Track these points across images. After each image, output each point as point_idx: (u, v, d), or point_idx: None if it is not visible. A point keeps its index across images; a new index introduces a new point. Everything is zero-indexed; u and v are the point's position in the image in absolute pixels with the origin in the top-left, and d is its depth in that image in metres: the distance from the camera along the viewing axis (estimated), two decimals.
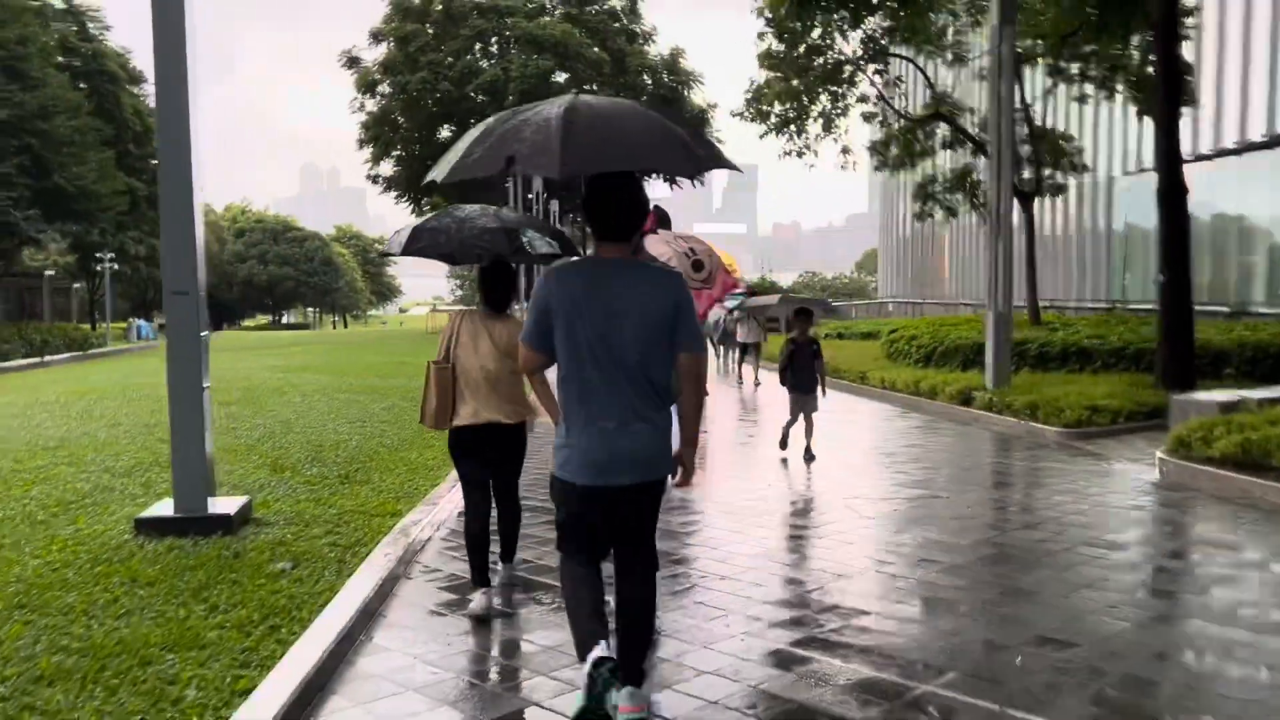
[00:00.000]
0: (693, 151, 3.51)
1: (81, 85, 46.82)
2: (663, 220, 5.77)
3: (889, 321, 32.98)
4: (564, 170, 3.28)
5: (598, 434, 3.48)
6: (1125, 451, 10.58)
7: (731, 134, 51.35)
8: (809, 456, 10.11)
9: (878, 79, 20.93)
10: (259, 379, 19.82)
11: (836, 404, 16.57)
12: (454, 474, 8.20)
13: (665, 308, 3.48)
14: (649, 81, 47.64)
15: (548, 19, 46.67)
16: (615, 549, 3.71)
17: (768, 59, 21.42)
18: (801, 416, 10.37)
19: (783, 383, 10.53)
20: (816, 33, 20.60)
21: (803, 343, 10.46)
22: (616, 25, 47.50)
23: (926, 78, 21.26)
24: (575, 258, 4.74)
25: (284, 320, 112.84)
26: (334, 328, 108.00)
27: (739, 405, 16.64)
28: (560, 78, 47.17)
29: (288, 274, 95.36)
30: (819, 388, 10.40)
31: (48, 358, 36.70)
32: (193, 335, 6.41)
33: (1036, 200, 21.72)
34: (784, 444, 10.59)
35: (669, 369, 3.57)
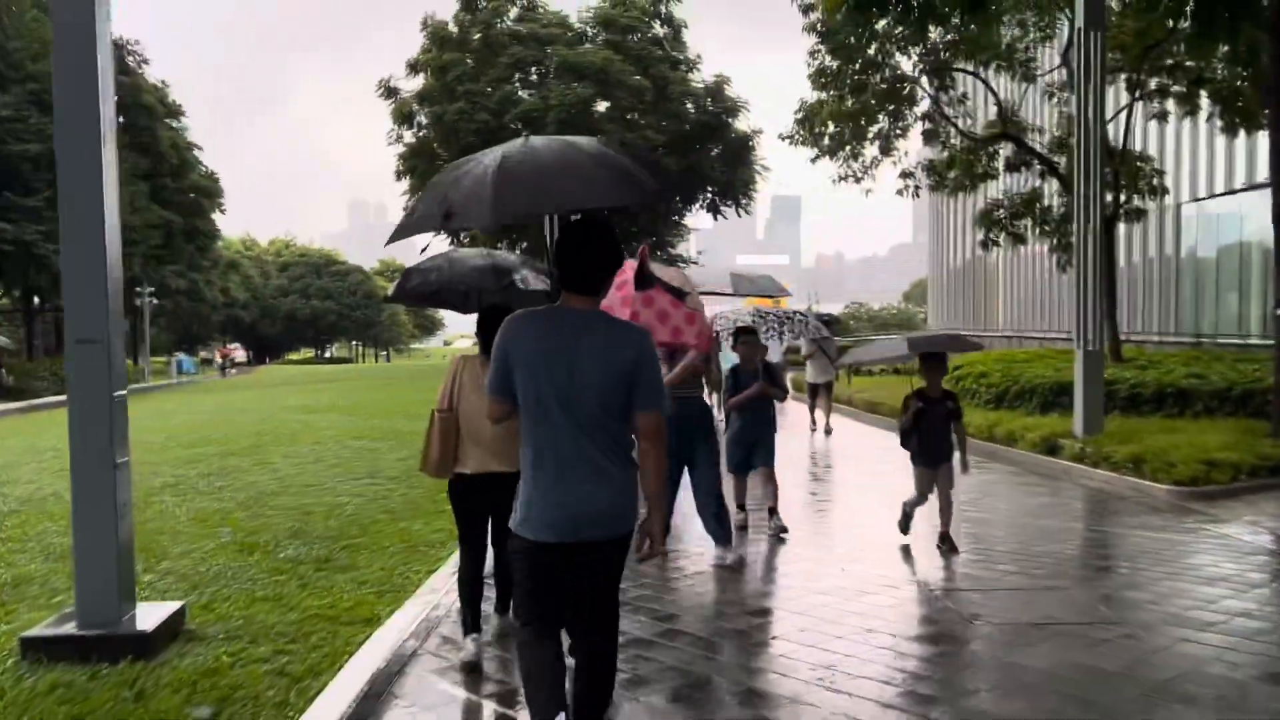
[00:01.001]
0: (635, 180, 3.48)
1: (120, 119, 46.47)
2: (644, 279, 5.54)
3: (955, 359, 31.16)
4: (496, 219, 3.30)
5: (558, 489, 3.36)
6: (1258, 517, 8.85)
7: (776, 162, 49.96)
8: (947, 546, 7.60)
9: (942, 95, 19.30)
10: (275, 422, 18.52)
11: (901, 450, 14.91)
12: (457, 556, 7.02)
13: (625, 361, 3.36)
14: (692, 109, 46.27)
15: (589, 46, 45.56)
16: (576, 610, 3.54)
17: (820, 77, 19.92)
18: (933, 494, 7.80)
19: (905, 445, 7.85)
20: (873, 48, 19.07)
21: (935, 399, 7.65)
22: (659, 53, 46.27)
23: (994, 93, 19.61)
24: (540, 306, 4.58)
25: (327, 354, 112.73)
26: (376, 361, 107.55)
27: (808, 459, 14.80)
28: (601, 106, 46.04)
29: (330, 308, 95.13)
30: (958, 458, 7.72)
31: None
32: (102, 395, 4.96)
33: (1117, 227, 19.96)
34: (905, 527, 8.01)
35: (628, 424, 3.44)
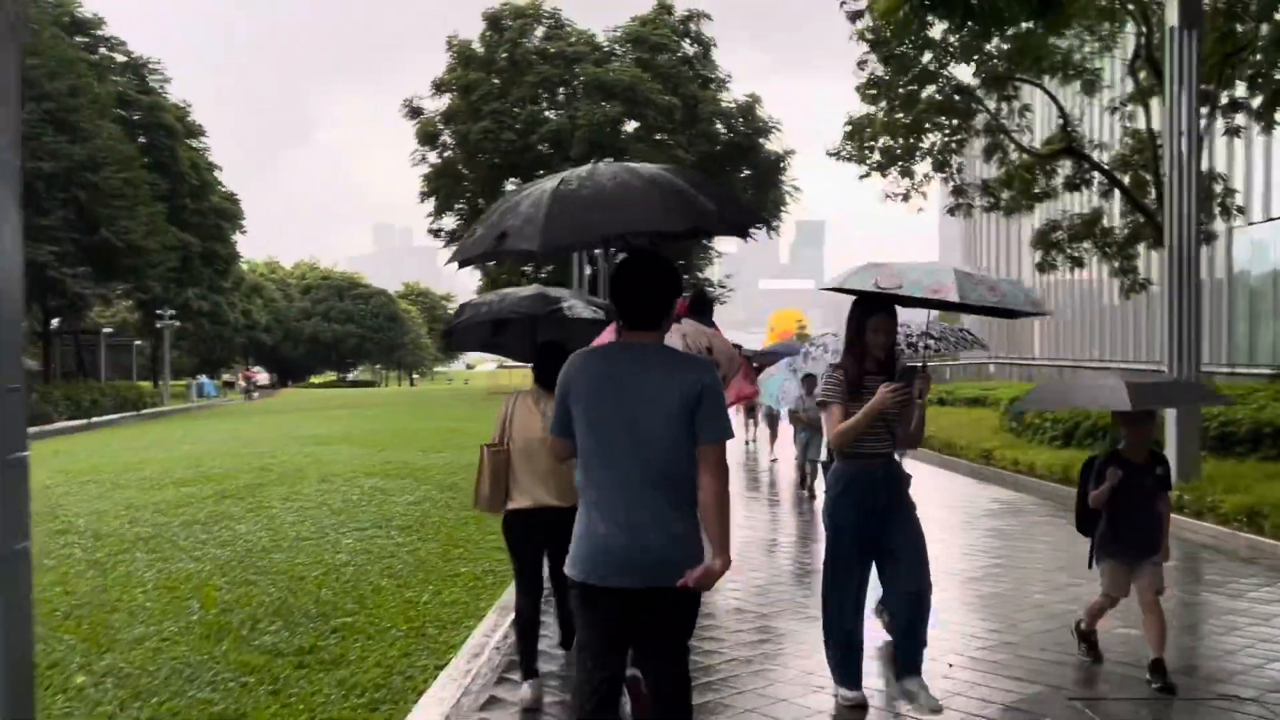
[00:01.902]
0: (692, 204, 3.41)
1: (142, 139, 45.79)
2: (700, 306, 5.30)
3: (997, 385, 29.57)
4: (544, 242, 3.24)
5: (613, 530, 3.22)
6: None
7: (806, 184, 48.53)
8: (1160, 680, 5.15)
9: (1004, 107, 17.90)
10: (282, 456, 17.24)
11: (957, 493, 13.42)
12: (474, 641, 5.90)
13: (688, 394, 3.24)
14: (722, 129, 45.07)
15: (617, 64, 44.45)
16: (641, 667, 3.52)
17: (870, 89, 18.59)
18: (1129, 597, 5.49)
19: (1084, 530, 5.59)
20: (927, 57, 17.73)
21: (1139, 465, 5.38)
22: (689, 72, 45.13)
23: (1058, 104, 18.19)
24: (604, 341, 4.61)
25: (349, 378, 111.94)
26: (401, 384, 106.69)
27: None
28: (629, 126, 44.90)
29: (352, 331, 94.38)
30: (1162, 547, 5.44)
31: (95, 419, 35.03)
32: None
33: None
34: (1088, 640, 5.69)
35: (692, 460, 3.26)
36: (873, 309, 4.82)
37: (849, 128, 18.94)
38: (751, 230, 3.99)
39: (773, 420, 18.24)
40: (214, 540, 9.04)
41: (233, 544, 8.86)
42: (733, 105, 45.37)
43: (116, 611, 6.47)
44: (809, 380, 11.00)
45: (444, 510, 10.93)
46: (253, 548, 8.66)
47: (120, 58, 46.61)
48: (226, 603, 6.70)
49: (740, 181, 44.73)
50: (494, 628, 6.29)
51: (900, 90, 17.45)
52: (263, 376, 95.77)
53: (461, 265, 3.99)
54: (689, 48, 46.71)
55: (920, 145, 18.04)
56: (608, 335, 5.07)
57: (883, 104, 18.23)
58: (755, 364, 14.41)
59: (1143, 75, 18.13)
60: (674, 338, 4.75)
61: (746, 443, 20.05)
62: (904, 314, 5.15)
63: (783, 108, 58.73)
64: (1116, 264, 20.88)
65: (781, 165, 45.25)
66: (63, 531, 9.60)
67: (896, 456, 5.05)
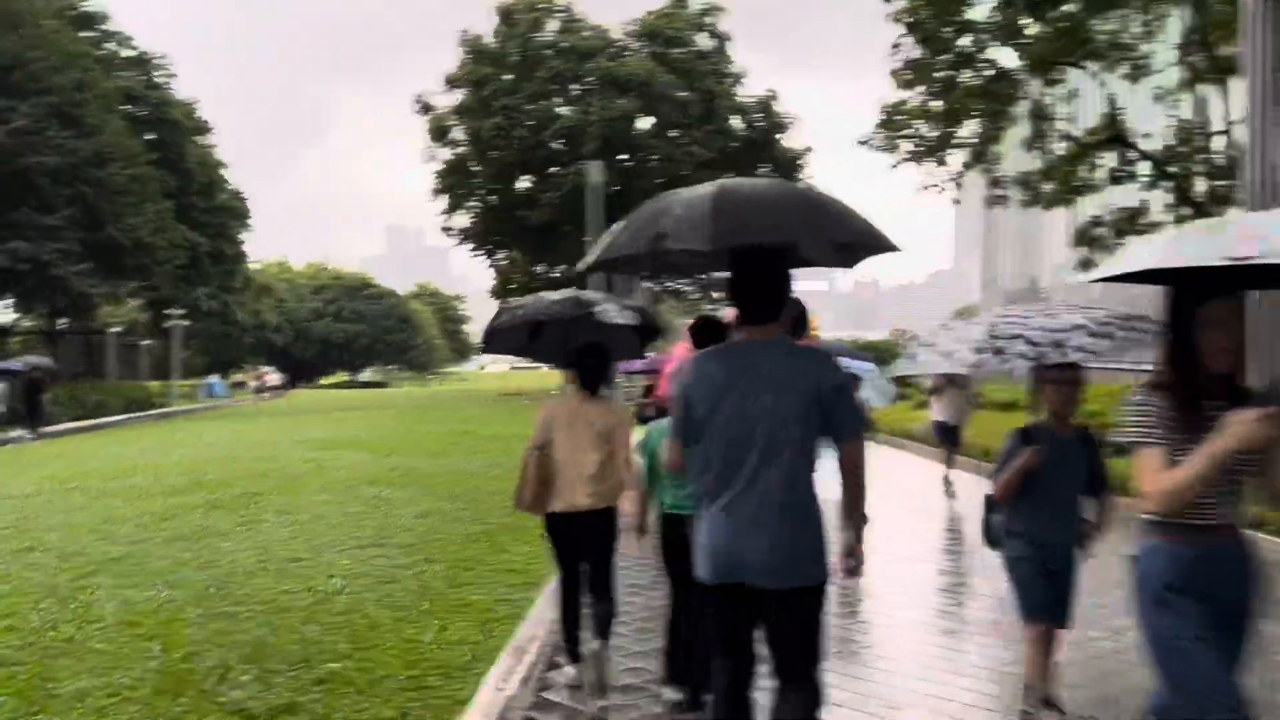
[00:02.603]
0: (845, 225, 3.35)
1: (150, 136, 45.00)
2: (800, 319, 4.91)
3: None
4: (714, 241, 3.20)
5: (734, 530, 3.23)
6: None
7: (821, 180, 47.39)
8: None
9: (1048, 92, 16.85)
10: (283, 460, 16.30)
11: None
12: (485, 699, 5.00)
13: (811, 389, 3.22)
14: (739, 125, 44.05)
15: (631, 58, 43.46)
16: (774, 671, 3.34)
17: (906, 72, 17.59)
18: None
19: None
20: (968, 39, 16.72)
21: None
22: (706, 66, 44.12)
23: (1104, 88, 17.12)
24: (656, 332, 5.51)
25: (361, 378, 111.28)
26: (415, 385, 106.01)
27: (943, 542, 11.88)
28: (645, 123, 43.90)
29: (363, 331, 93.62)
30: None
31: (101, 420, 34.23)
32: None
33: None
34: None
35: (814, 460, 3.28)
36: (1211, 292, 2.98)
37: (884, 113, 17.90)
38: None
39: None
40: (194, 561, 8.07)
41: (215, 565, 7.89)
42: (751, 100, 44.34)
43: (64, 656, 5.50)
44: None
45: (452, 524, 9.96)
46: (235, 570, 7.68)
47: (127, 53, 45.86)
48: (195, 643, 5.72)
49: (756, 178, 43.81)
50: (508, 673, 5.33)
51: (937, 74, 16.41)
52: (274, 377, 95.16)
53: (598, 269, 3.86)
54: (705, 42, 45.73)
55: (958, 133, 16.99)
56: (681, 350, 5.18)
57: (919, 89, 17.21)
58: None
59: (1195, 60, 17.08)
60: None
61: None
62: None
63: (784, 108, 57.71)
64: None
65: (799, 162, 44.22)
66: (28, 550, 8.63)
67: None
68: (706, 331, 4.64)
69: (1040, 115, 17.26)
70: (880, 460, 15.13)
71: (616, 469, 5.06)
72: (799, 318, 4.88)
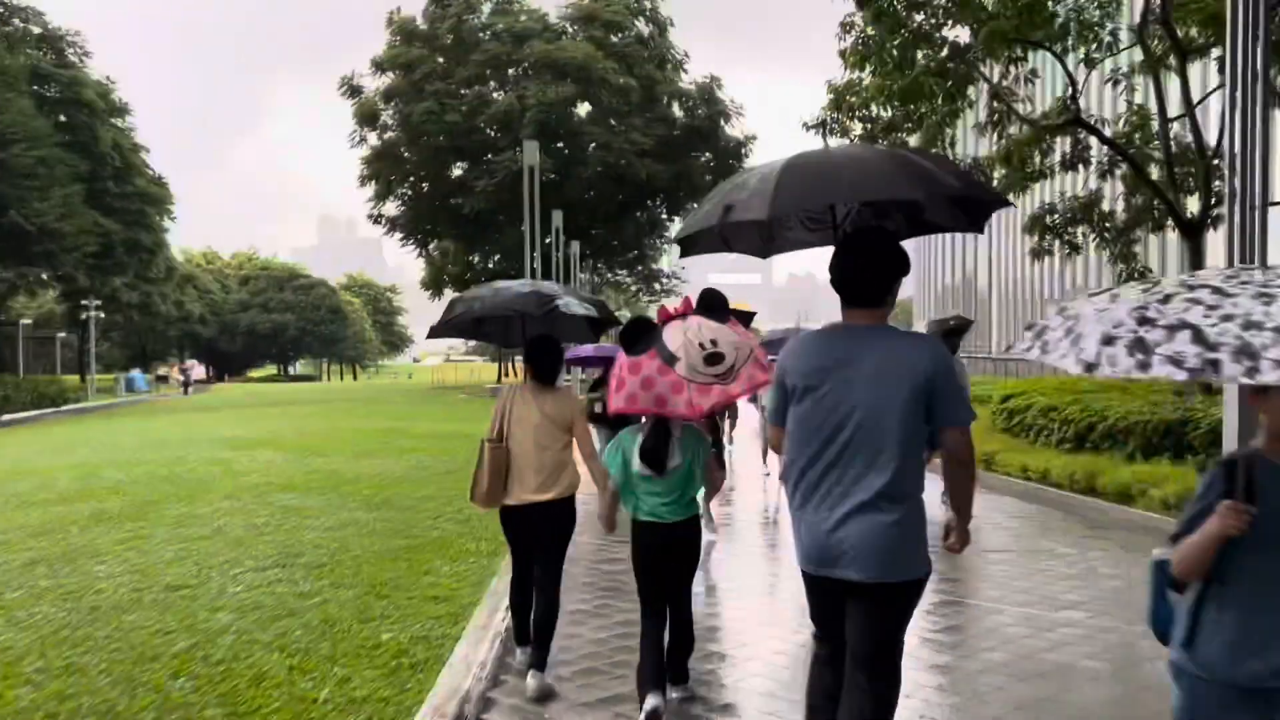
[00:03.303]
0: (941, 183, 3.27)
1: (62, 118, 42.71)
2: (709, 304, 4.64)
3: (983, 381, 27.84)
4: (774, 208, 3.15)
5: (828, 519, 3.15)
6: None
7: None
8: None
9: (1010, 70, 16.07)
10: (190, 462, 14.98)
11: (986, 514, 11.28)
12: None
13: (916, 375, 3.08)
14: (680, 113, 43.05)
15: (568, 41, 42.22)
16: (850, 655, 3.24)
17: (856, 51, 16.74)
18: None
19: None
20: (921, 16, 15.91)
21: None
22: (645, 52, 43.03)
23: (1067, 72, 16.40)
24: (616, 324, 5.20)
25: (292, 372, 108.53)
26: (344, 379, 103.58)
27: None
28: (583, 110, 42.69)
29: (291, 321, 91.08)
30: None
31: (4, 416, 32.29)
32: None
33: (1206, 235, 16.80)
34: None
35: (918, 450, 3.15)
36: None
37: (832, 96, 17.01)
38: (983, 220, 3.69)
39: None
40: (55, 591, 6.84)
41: (79, 596, 6.67)
42: (692, 86, 43.36)
43: None
44: None
45: (369, 538, 8.83)
46: (103, 604, 6.47)
47: (37, 29, 43.45)
48: (24, 709, 4.56)
49: (699, 167, 42.78)
50: None
51: (892, 52, 15.56)
52: (198, 370, 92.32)
53: (685, 246, 3.90)
54: (643, 26, 44.67)
55: (916, 114, 16.16)
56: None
57: (869, 70, 16.35)
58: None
59: (1155, 43, 16.46)
60: (674, 333, 4.48)
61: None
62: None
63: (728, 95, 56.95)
64: (1115, 249, 19.24)
65: (743, 151, 43.37)
66: None
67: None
68: (635, 332, 4.54)
69: (998, 96, 16.47)
70: None
71: (572, 460, 5.10)
72: (714, 307, 4.61)
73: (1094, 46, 15.82)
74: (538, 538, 5.13)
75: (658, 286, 52.42)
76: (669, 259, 52.94)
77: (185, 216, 56.75)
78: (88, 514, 10.09)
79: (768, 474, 14.14)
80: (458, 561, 7.90)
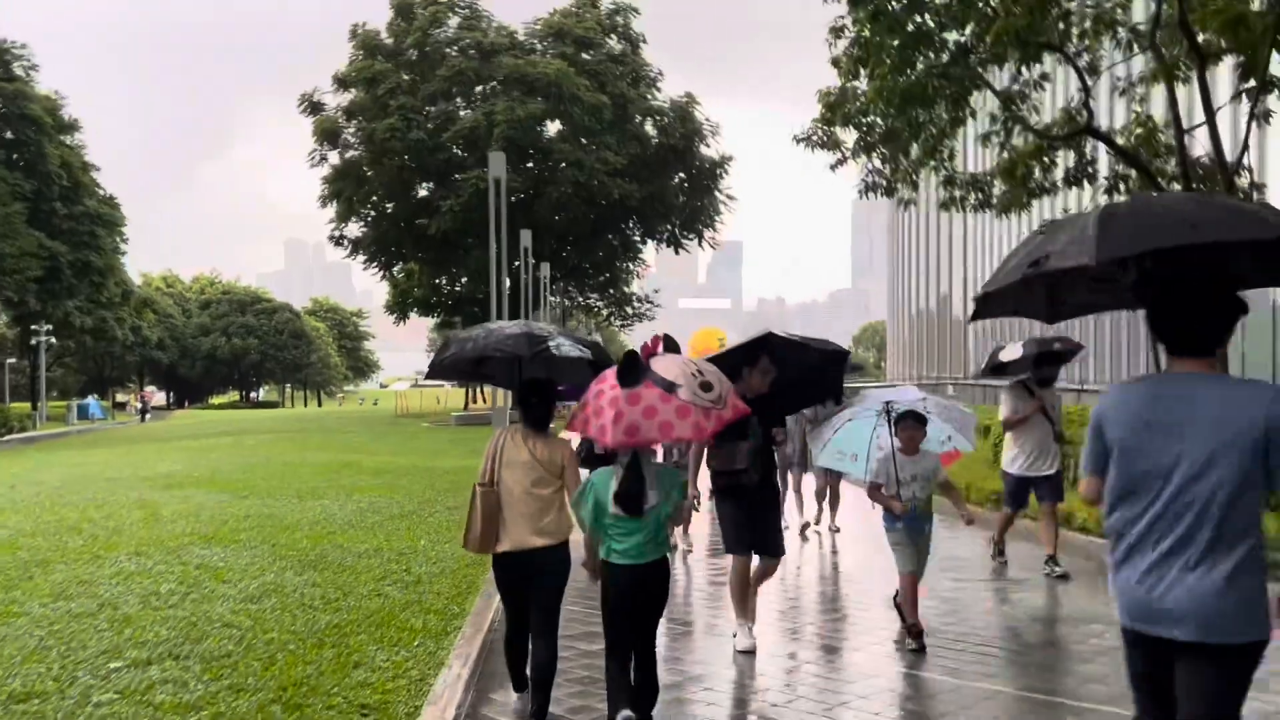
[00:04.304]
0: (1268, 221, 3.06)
1: (9, 134, 40.82)
2: (670, 348, 5.05)
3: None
4: (1101, 252, 2.94)
5: (1152, 576, 3.03)
6: None
7: (738, 195, 45.36)
8: None
9: (1023, 74, 14.77)
10: (110, 505, 13.29)
11: (977, 557, 9.65)
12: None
13: (1251, 425, 2.92)
14: (654, 132, 41.72)
15: (539, 57, 40.80)
16: None
17: (850, 57, 15.44)
18: None
19: None
20: (922, 18, 14.60)
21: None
22: (618, 69, 41.72)
23: (1081, 75, 15.10)
24: (613, 365, 4.93)
25: (255, 398, 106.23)
26: (320, 404, 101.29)
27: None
28: (552, 128, 41.26)
29: (252, 346, 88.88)
30: None
31: None
32: None
33: None
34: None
35: (1254, 504, 3.01)
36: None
37: (829, 99, 15.63)
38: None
39: (830, 485, 11.87)
40: None
41: None
42: (667, 103, 42.08)
43: None
44: (909, 424, 6.71)
45: (293, 612, 7.23)
46: None
47: None
48: None
49: (672, 188, 41.48)
50: None
51: (891, 52, 14.22)
52: (157, 397, 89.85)
53: (979, 311, 3.78)
54: (615, 44, 43.40)
55: (916, 120, 14.81)
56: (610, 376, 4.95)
57: (865, 74, 15.01)
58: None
59: (1175, 48, 15.23)
60: (666, 364, 4.73)
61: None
62: None
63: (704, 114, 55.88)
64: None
65: (720, 172, 42.09)
66: None
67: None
68: (634, 366, 4.64)
69: (1011, 100, 15.16)
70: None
71: (564, 505, 5.07)
72: (629, 367, 4.71)
73: (1113, 46, 14.56)
74: (532, 585, 5.08)
75: (629, 310, 50.99)
76: (639, 284, 51.58)
77: (154, 240, 55.02)
78: None
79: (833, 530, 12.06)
80: (397, 648, 6.34)
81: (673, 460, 9.70)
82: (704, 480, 7.03)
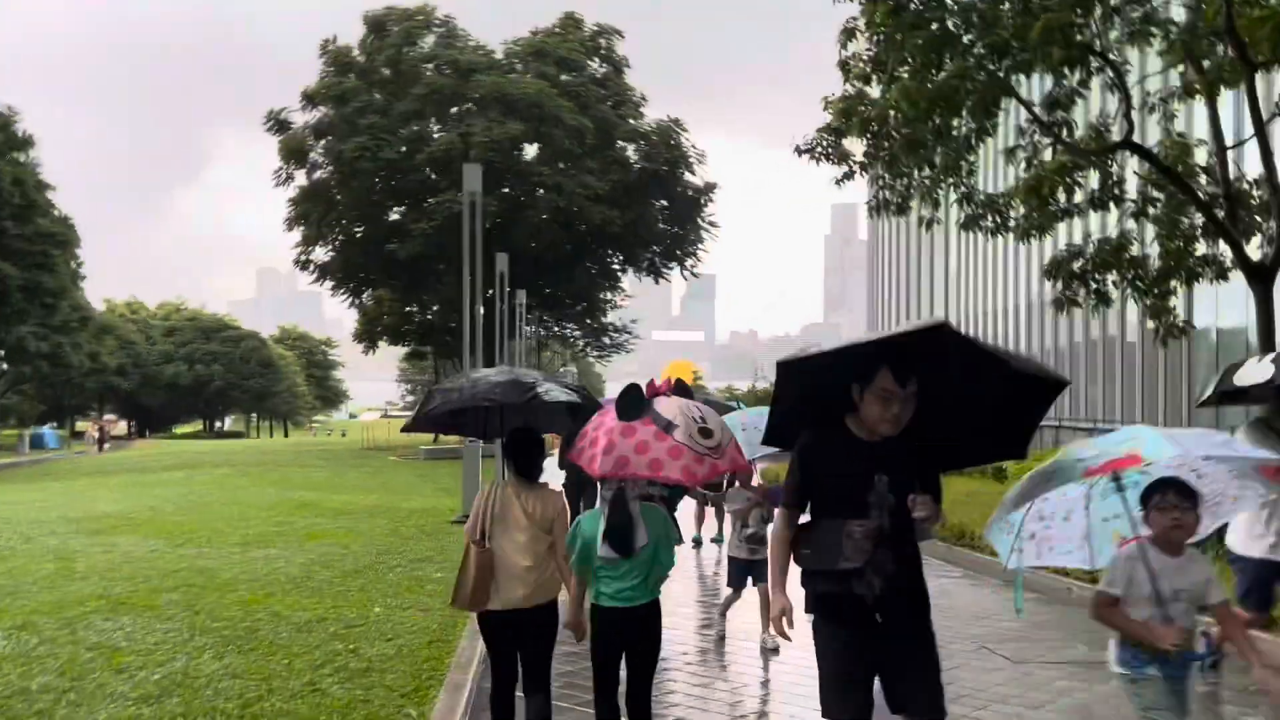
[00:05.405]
0: None
1: None
2: (681, 391, 4.96)
3: None
4: None
5: None
6: None
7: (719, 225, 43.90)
8: None
9: (1064, 81, 13.33)
10: (19, 555, 11.48)
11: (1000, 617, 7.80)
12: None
13: None
14: (635, 157, 40.26)
15: (518, 75, 39.29)
16: None
17: (861, 61, 14.08)
18: None
19: None
20: (946, 19, 13.24)
21: None
22: (600, 91, 40.31)
23: (1123, 84, 13.66)
24: (599, 407, 4.93)
25: (222, 427, 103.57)
26: (286, 434, 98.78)
27: None
28: (530, 151, 39.74)
29: (216, 373, 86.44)
30: None
31: None
32: None
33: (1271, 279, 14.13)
34: None
35: None
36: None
37: (837, 110, 14.17)
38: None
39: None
40: None
41: None
42: (651, 127, 40.66)
43: None
44: (1171, 500, 4.06)
45: (239, 656, 5.51)
46: None
47: None
48: None
49: (655, 214, 40.03)
50: None
51: (914, 50, 12.81)
52: (118, 426, 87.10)
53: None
54: (598, 66, 42.07)
55: (943, 128, 13.35)
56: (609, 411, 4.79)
57: (885, 72, 13.61)
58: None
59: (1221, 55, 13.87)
60: (667, 405, 4.62)
61: (696, 540, 12.85)
62: None
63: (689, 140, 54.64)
64: (1148, 301, 16.58)
65: (704, 200, 40.70)
66: None
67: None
68: (635, 399, 4.63)
69: (1056, 104, 13.71)
70: None
71: (553, 562, 4.94)
72: (632, 402, 4.63)
73: (1142, 59, 13.23)
74: (522, 644, 4.98)
75: (606, 340, 49.39)
76: (614, 316, 49.99)
77: (124, 268, 53.04)
78: None
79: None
80: None
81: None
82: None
